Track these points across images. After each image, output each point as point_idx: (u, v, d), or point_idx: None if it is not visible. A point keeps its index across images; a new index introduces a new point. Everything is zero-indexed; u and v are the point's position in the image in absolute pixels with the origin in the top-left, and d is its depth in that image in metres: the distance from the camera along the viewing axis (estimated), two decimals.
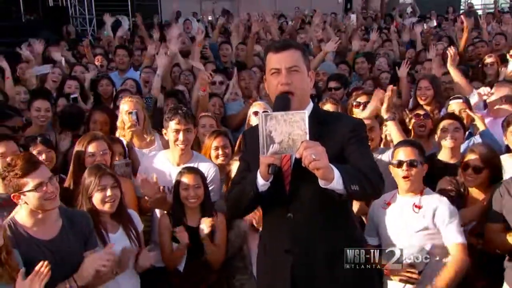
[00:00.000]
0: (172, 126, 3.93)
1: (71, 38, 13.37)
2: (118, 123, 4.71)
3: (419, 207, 3.44)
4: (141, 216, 3.93)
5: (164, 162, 4.11)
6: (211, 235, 3.64)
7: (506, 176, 3.92)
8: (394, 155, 3.74)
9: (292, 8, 23.64)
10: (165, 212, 3.82)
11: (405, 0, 27.99)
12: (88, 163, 3.76)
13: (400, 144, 3.88)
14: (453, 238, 3.39)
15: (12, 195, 2.84)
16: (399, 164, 3.58)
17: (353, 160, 2.55)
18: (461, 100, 5.20)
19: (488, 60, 7.50)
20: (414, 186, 3.58)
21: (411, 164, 3.54)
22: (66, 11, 16.18)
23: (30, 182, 2.78)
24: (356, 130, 2.65)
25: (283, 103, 2.49)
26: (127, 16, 16.92)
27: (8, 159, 3.01)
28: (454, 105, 5.15)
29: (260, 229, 3.27)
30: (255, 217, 3.47)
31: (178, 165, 4.01)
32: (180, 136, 3.90)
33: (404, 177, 3.56)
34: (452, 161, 4.42)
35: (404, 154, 3.62)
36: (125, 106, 4.66)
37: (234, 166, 3.54)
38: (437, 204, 3.49)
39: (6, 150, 3.59)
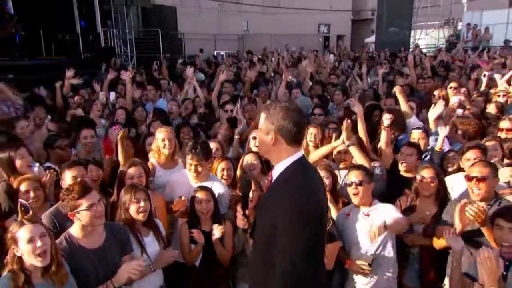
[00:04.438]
0: (188, 160, 3.99)
1: (117, 67, 13.16)
2: (153, 147, 4.67)
3: (368, 215, 3.60)
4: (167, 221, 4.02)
5: (186, 180, 4.11)
6: (221, 239, 3.66)
7: (456, 189, 4.07)
8: (348, 177, 3.85)
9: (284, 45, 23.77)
10: (185, 220, 3.80)
11: (369, 40, 28.07)
12: (127, 183, 3.75)
13: (351, 168, 3.98)
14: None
15: (69, 213, 2.84)
16: (350, 184, 3.73)
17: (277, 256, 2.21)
18: (420, 130, 5.19)
19: (436, 93, 7.52)
20: (364, 200, 3.70)
21: (359, 184, 3.66)
22: (113, 51, 16.10)
23: (84, 203, 2.79)
24: (277, 225, 2.17)
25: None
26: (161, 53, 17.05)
27: (66, 184, 3.03)
28: (415, 134, 5.16)
29: None
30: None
31: (196, 182, 4.03)
32: (192, 168, 3.97)
33: (354, 194, 3.71)
34: (409, 175, 4.47)
35: (353, 176, 3.72)
36: (161, 134, 4.61)
37: None
38: (382, 211, 3.62)
39: (77, 173, 3.61)
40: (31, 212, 3.10)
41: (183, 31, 21.55)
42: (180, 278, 3.74)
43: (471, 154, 4.08)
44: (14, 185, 3.48)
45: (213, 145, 4.71)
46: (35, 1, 15.95)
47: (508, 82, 8.01)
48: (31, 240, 2.50)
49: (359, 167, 3.92)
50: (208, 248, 3.62)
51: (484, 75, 8.36)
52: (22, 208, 3.11)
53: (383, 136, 4.88)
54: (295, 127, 2.21)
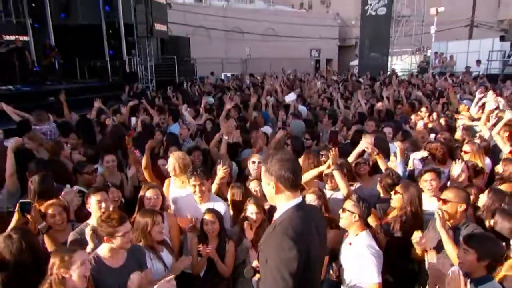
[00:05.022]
0: (191, 182, 3.87)
1: (139, 91, 13.33)
2: (171, 170, 4.43)
3: (350, 244, 3.22)
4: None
5: (193, 201, 3.99)
6: (223, 256, 3.63)
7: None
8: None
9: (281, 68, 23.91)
10: (195, 235, 3.74)
11: (353, 63, 28.15)
12: (146, 204, 3.74)
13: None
14: (371, 279, 3.02)
15: (105, 238, 2.84)
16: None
17: None
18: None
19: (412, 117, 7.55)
20: (351, 230, 3.25)
21: (343, 211, 3.27)
22: (136, 75, 16.20)
23: (120, 231, 2.82)
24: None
25: None
26: (177, 77, 17.21)
27: (106, 213, 2.98)
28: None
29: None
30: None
31: (201, 203, 3.95)
32: (197, 189, 3.86)
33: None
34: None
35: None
36: (172, 160, 4.46)
37: None
38: (363, 246, 3.11)
39: (101, 198, 3.50)
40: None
41: (195, 57, 21.62)
42: (185, 286, 3.72)
43: (427, 176, 4.01)
44: (43, 209, 3.47)
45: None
46: (72, 34, 16.09)
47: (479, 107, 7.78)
48: (82, 264, 2.54)
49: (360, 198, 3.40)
50: (212, 261, 3.58)
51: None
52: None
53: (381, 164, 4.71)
54: (292, 174, 2.17)
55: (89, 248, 3.08)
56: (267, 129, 7.16)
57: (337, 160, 4.24)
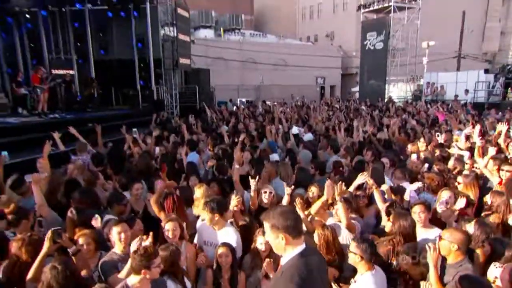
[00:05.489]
0: (206, 212, 3.82)
1: (164, 119, 13.34)
2: (196, 201, 4.43)
3: (355, 282, 3.10)
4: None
5: (209, 226, 3.95)
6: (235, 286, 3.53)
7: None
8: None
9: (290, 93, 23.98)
10: (210, 268, 3.67)
11: (354, 89, 28.05)
12: (165, 236, 3.66)
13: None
14: None
15: (143, 270, 2.80)
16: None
17: None
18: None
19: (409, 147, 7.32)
20: (358, 268, 3.11)
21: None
22: (163, 102, 16.38)
23: (155, 263, 2.81)
24: None
25: None
26: (198, 103, 17.34)
27: (142, 249, 2.89)
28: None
29: (271, 276, 3.15)
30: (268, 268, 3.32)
31: (217, 229, 3.90)
32: (210, 219, 3.82)
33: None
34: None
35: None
36: (199, 192, 4.48)
37: None
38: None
39: (121, 229, 3.42)
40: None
41: (214, 84, 21.78)
42: None
43: (416, 209, 3.82)
44: (75, 237, 3.42)
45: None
46: (109, 67, 16.54)
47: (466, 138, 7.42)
48: None
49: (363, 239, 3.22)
50: None
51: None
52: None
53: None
54: (294, 221, 2.15)
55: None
56: (275, 156, 6.95)
57: (341, 192, 4.08)
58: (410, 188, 4.77)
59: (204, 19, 30.76)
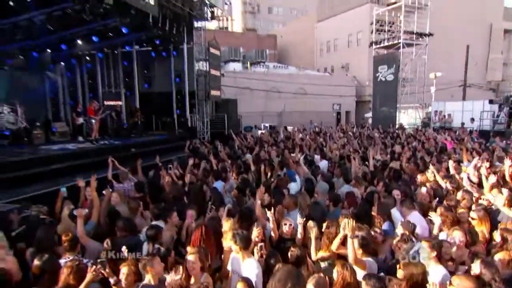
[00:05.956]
0: (233, 245, 3.73)
1: (197, 146, 13.16)
2: (224, 234, 4.26)
3: None
4: None
5: (238, 257, 3.81)
6: None
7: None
8: None
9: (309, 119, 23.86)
10: None
11: (368, 115, 27.60)
12: (188, 267, 3.50)
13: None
14: None
15: None
16: None
17: None
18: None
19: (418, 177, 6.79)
20: None
21: None
22: (195, 128, 16.62)
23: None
24: None
25: None
26: (226, 129, 17.47)
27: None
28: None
29: None
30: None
31: (240, 260, 3.77)
32: (237, 251, 3.72)
33: None
34: None
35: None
36: (227, 225, 4.23)
37: None
38: None
39: (154, 262, 3.33)
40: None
41: (241, 111, 21.92)
42: None
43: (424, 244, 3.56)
44: (120, 267, 3.39)
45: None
46: (150, 98, 17.08)
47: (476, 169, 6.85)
48: None
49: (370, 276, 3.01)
50: None
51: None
52: None
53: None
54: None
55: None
56: (293, 186, 6.59)
57: (353, 229, 3.66)
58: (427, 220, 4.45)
59: (233, 54, 31.38)
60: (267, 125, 24.79)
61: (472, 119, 17.47)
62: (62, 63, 16.52)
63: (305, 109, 29.25)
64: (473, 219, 4.58)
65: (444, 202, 5.26)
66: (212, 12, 16.12)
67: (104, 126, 13.86)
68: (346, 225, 3.64)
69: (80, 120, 12.71)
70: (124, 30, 13.57)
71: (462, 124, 17.09)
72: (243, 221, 4.74)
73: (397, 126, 19.89)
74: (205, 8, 15.57)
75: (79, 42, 14.56)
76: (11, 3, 9.82)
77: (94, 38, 14.26)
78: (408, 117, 23.61)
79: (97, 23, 12.40)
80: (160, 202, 5.61)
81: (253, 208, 5.12)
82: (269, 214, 4.36)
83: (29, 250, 4.00)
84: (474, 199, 5.44)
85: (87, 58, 16.84)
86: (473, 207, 4.95)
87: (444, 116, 19.29)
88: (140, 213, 5.32)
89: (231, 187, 6.05)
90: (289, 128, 19.65)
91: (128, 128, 15.43)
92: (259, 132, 21.33)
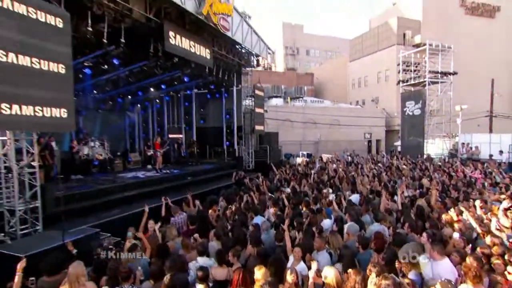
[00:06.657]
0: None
1: (242, 177, 12.46)
2: (256, 281, 3.81)
3: None
4: None
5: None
6: None
7: None
8: None
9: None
10: None
11: (397, 143, 26.03)
12: None
13: None
14: None
15: None
16: None
17: None
18: None
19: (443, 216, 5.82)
20: None
21: None
22: (242, 158, 16.64)
23: None
24: None
25: None
26: (268, 159, 17.31)
27: None
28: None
29: None
30: None
31: None
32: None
33: None
34: None
35: None
36: (259, 274, 3.78)
37: None
38: None
39: None
40: None
41: (281, 141, 21.73)
42: None
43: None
44: None
45: None
46: (205, 132, 17.62)
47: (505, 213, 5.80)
48: None
49: None
50: None
51: None
52: None
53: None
54: None
55: None
56: (327, 223, 6.11)
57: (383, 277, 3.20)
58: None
59: (276, 91, 31.74)
60: (305, 153, 24.29)
61: (501, 152, 15.66)
62: (139, 105, 17.81)
63: (339, 138, 28.34)
64: (509, 273, 3.73)
65: (478, 249, 4.37)
66: (258, 60, 16.45)
67: (167, 156, 14.42)
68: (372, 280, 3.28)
69: (150, 151, 13.37)
70: (185, 79, 14.50)
71: (490, 156, 15.37)
72: (276, 270, 4.24)
73: (425, 156, 18.42)
74: (252, 57, 15.95)
75: (151, 89, 15.80)
76: (105, 66, 11.19)
77: (163, 86, 15.45)
78: (435, 147, 21.84)
79: (165, 75, 13.49)
80: (207, 237, 5.42)
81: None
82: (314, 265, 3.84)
83: (103, 278, 4.02)
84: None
85: (157, 100, 17.98)
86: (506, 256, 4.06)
87: (471, 148, 17.54)
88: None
89: (267, 226, 5.76)
90: (324, 156, 19.07)
91: (186, 156, 15.94)
92: (297, 159, 20.91)
